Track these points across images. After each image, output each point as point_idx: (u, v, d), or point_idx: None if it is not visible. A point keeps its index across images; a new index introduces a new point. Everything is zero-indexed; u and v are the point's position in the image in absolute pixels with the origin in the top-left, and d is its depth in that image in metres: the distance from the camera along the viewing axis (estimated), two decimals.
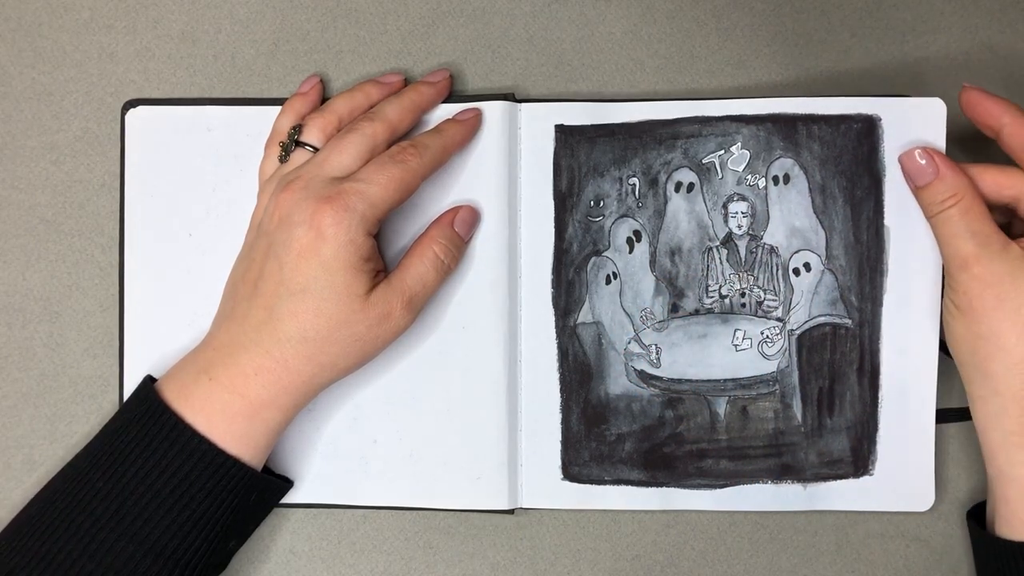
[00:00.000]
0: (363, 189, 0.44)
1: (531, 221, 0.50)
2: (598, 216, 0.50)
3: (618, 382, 0.50)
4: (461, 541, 0.51)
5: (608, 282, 0.50)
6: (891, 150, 0.49)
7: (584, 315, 0.50)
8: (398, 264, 0.47)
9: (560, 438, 0.50)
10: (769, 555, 0.51)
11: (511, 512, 0.50)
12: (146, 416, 0.44)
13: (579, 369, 0.50)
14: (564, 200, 0.50)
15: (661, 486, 0.50)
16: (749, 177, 0.50)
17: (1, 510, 0.51)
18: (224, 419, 0.44)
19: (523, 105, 0.50)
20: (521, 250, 0.50)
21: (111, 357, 0.51)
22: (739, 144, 0.49)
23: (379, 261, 0.47)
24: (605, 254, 0.50)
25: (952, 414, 0.51)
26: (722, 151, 0.49)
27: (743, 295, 0.50)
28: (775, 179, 0.49)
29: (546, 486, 0.50)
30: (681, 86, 0.51)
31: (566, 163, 0.50)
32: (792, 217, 0.49)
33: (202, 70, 0.52)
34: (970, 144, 0.50)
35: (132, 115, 0.51)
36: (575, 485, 0.50)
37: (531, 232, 0.50)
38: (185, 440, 0.43)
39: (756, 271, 0.50)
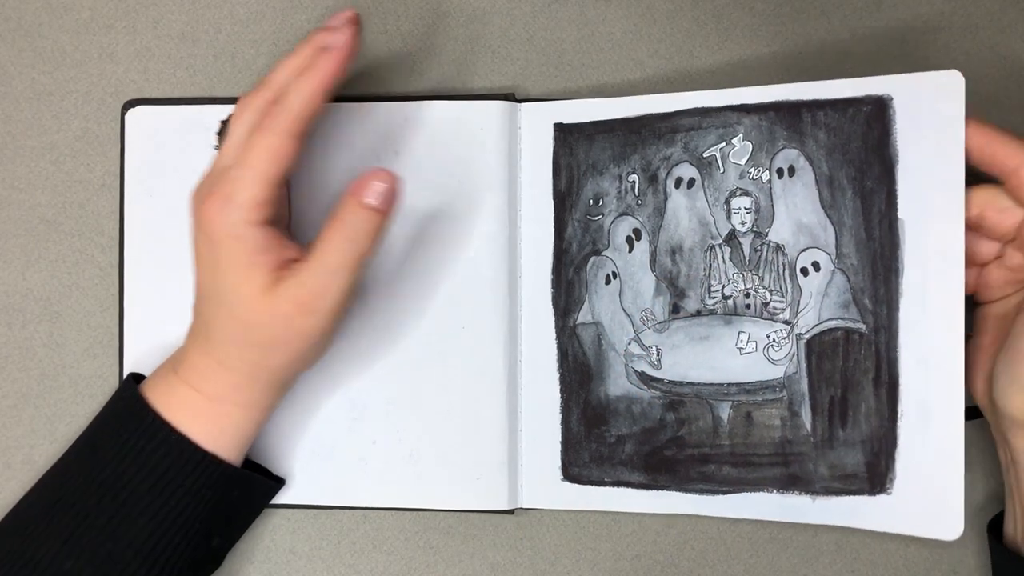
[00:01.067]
0: (236, 176, 0.40)
1: (531, 221, 0.50)
2: (597, 215, 0.49)
3: (618, 383, 0.49)
4: (461, 541, 0.51)
5: (608, 282, 0.50)
6: (905, 133, 0.45)
7: (584, 315, 0.50)
8: (307, 249, 0.42)
9: (560, 439, 0.50)
10: (769, 555, 0.50)
11: (511, 512, 0.50)
12: (125, 413, 0.44)
13: (579, 370, 0.50)
14: (564, 199, 0.50)
15: (662, 489, 0.49)
16: (752, 170, 0.47)
17: (1, 510, 0.50)
18: (190, 415, 0.43)
19: (523, 105, 0.50)
20: (521, 250, 0.50)
21: (111, 357, 0.51)
22: (741, 135, 0.48)
23: (284, 250, 0.42)
24: (604, 253, 0.49)
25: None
26: (723, 143, 0.48)
27: (747, 296, 0.48)
28: (779, 171, 0.47)
29: (546, 487, 0.50)
30: (681, 87, 0.51)
31: (565, 162, 0.50)
32: (798, 212, 0.47)
33: (202, 70, 0.52)
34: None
35: (132, 115, 0.51)
36: (575, 486, 0.50)
37: (531, 232, 0.50)
38: (162, 436, 0.43)
39: (761, 270, 0.48)
